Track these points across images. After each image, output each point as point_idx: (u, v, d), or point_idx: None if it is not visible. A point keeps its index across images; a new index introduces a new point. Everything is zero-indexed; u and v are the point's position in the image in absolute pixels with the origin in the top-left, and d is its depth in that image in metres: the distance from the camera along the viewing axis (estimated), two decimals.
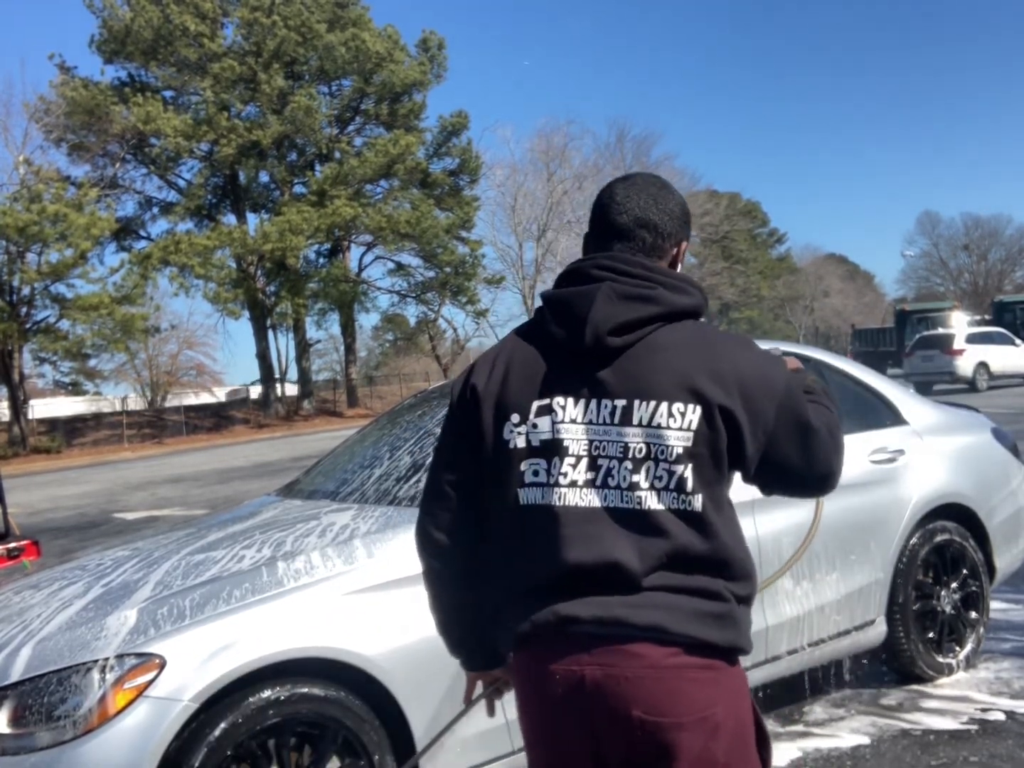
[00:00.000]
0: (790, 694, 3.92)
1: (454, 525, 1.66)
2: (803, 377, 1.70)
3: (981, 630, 4.20)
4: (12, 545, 5.22)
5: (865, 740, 3.50)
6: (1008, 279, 67.35)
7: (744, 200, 61.49)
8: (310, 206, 33.96)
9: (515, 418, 1.58)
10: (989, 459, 4.48)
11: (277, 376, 39.72)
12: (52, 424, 35.62)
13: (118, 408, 41.12)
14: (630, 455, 1.51)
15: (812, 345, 15.11)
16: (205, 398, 48.93)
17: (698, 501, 1.50)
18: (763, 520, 3.49)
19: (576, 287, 1.59)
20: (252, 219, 37.58)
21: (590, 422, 1.54)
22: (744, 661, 3.58)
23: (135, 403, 46.49)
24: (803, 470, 1.57)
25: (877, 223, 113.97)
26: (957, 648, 4.11)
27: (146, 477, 18.59)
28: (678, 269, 1.69)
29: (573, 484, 1.53)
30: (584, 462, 1.53)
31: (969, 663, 4.12)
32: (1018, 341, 25.02)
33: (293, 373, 42.16)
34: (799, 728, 3.67)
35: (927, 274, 71.14)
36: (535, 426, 1.56)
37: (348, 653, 2.61)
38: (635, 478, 1.51)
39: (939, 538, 4.07)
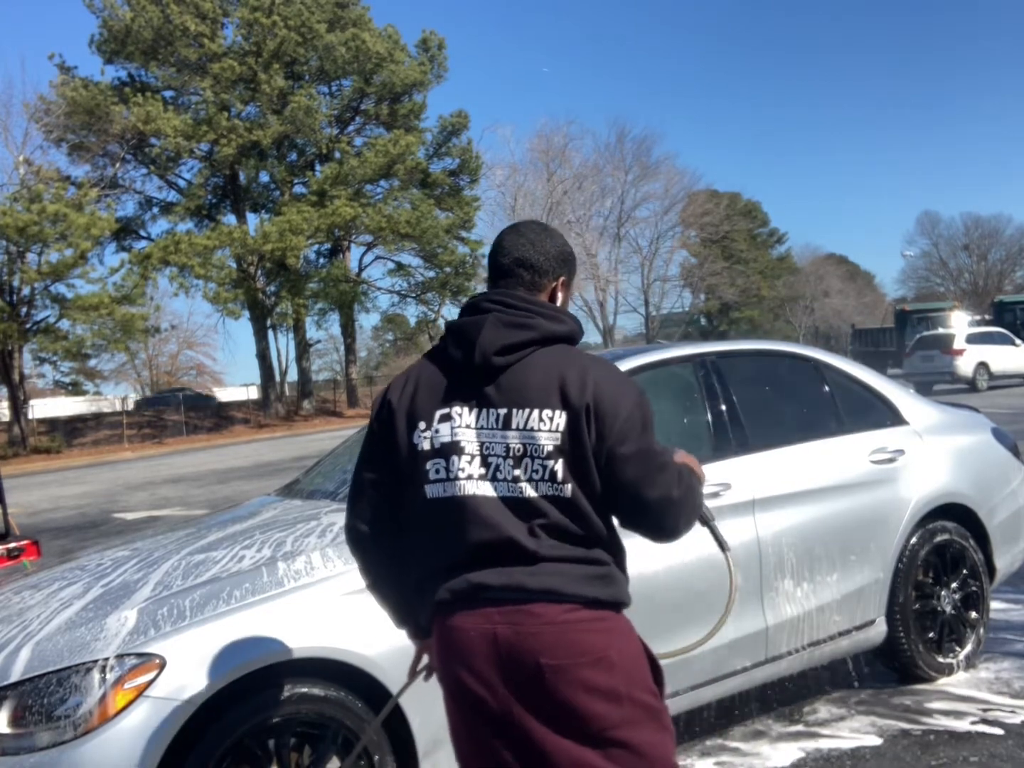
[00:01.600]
0: (791, 694, 3.92)
1: (375, 517, 1.96)
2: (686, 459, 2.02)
3: (981, 630, 4.20)
4: (12, 545, 5.21)
5: (865, 740, 3.50)
6: (1008, 279, 67.35)
7: (744, 200, 61.45)
8: (310, 206, 33.96)
9: (422, 425, 1.88)
10: (989, 459, 4.48)
11: (277, 377, 39.73)
12: (52, 424, 35.63)
13: (118, 408, 41.13)
14: (511, 454, 1.82)
15: (812, 345, 15.12)
16: None
17: (568, 489, 1.80)
18: (763, 519, 3.50)
19: (470, 317, 1.91)
20: (252, 219, 37.61)
21: (480, 427, 1.84)
22: (745, 661, 3.60)
23: (135, 403, 46.50)
24: (639, 486, 1.81)
25: (877, 223, 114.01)
26: (957, 648, 4.11)
27: (146, 477, 18.59)
28: (557, 301, 1.98)
29: (470, 477, 1.83)
30: (477, 460, 1.83)
31: (969, 663, 4.12)
32: (1018, 341, 25.02)
33: (293, 373, 42.23)
34: (799, 728, 3.67)
35: (927, 274, 71.15)
36: (437, 431, 1.86)
37: (348, 653, 2.61)
38: (516, 472, 1.81)
39: (939, 538, 4.07)
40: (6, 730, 2.36)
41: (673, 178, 49.74)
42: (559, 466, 1.80)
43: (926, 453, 4.15)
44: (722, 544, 2.20)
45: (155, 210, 37.96)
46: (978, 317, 34.76)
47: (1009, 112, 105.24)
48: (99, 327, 30.53)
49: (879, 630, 3.89)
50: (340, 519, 3.14)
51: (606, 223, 47.93)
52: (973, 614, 4.18)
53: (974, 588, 4.18)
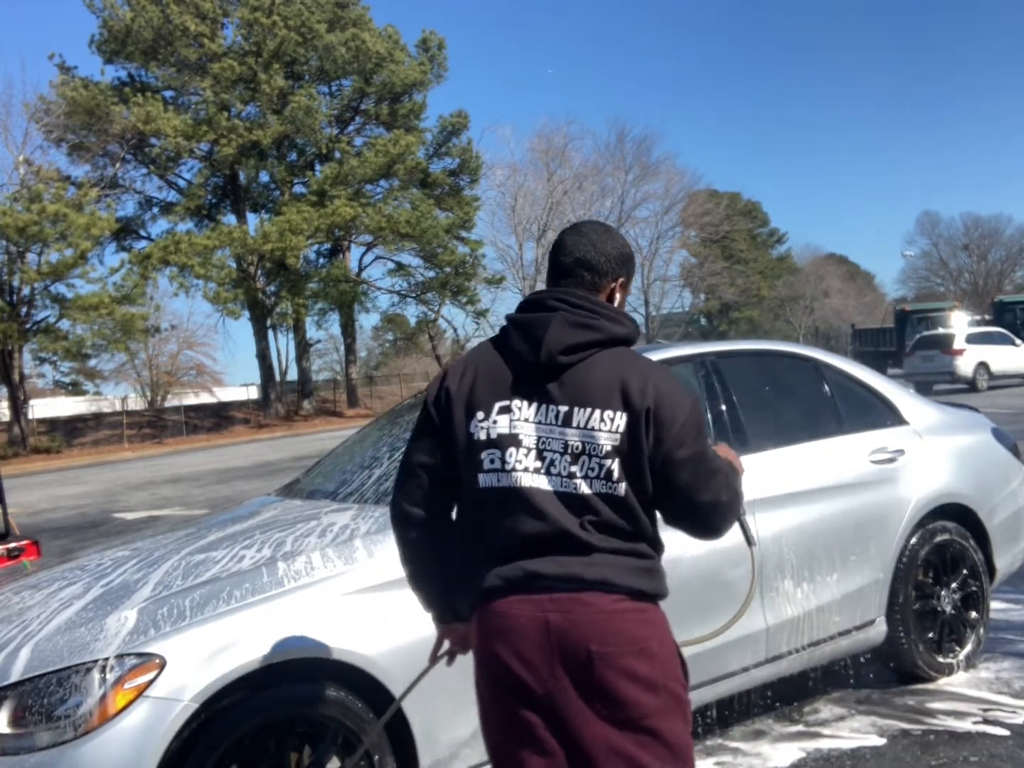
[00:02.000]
0: (791, 694, 3.92)
1: (424, 500, 1.99)
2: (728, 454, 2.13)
3: (981, 630, 4.20)
4: (12, 545, 5.21)
5: (866, 740, 3.50)
6: (1008, 279, 67.34)
7: (744, 200, 61.46)
8: (310, 206, 33.95)
9: (480, 415, 1.92)
10: (989, 459, 4.48)
11: (277, 376, 39.74)
12: (52, 424, 35.62)
13: (118, 408, 41.13)
14: (569, 450, 1.87)
15: (812, 345, 15.11)
16: (205, 398, 48.93)
17: (622, 488, 1.86)
18: (763, 519, 3.50)
19: (536, 313, 1.95)
20: (252, 219, 37.59)
21: (539, 422, 1.89)
22: (746, 661, 3.60)
23: (135, 403, 46.51)
24: (692, 489, 1.90)
25: (877, 223, 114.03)
26: (957, 648, 4.11)
27: (146, 477, 18.59)
28: (616, 302, 2.04)
29: (526, 470, 1.88)
30: (533, 453, 1.88)
31: (969, 663, 4.12)
32: (1018, 341, 25.01)
33: (293, 373, 42.21)
34: (800, 728, 3.67)
35: (927, 274, 71.12)
36: (495, 422, 1.91)
37: (348, 653, 2.61)
38: (572, 468, 1.87)
39: (939, 538, 4.07)
40: (6, 730, 2.35)
41: (673, 178, 49.80)
42: (615, 465, 1.85)
43: (926, 453, 4.15)
44: (749, 539, 2.30)
45: (155, 210, 37.98)
46: (978, 317, 34.75)
47: (1009, 112, 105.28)
48: (99, 327, 30.52)
49: (879, 630, 3.89)
50: (340, 519, 3.16)
51: (606, 223, 47.87)
52: (973, 614, 4.18)
53: (974, 588, 4.18)
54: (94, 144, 33.62)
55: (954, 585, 4.13)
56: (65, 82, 32.98)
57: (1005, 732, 3.47)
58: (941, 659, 4.05)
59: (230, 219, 37.33)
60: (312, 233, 33.84)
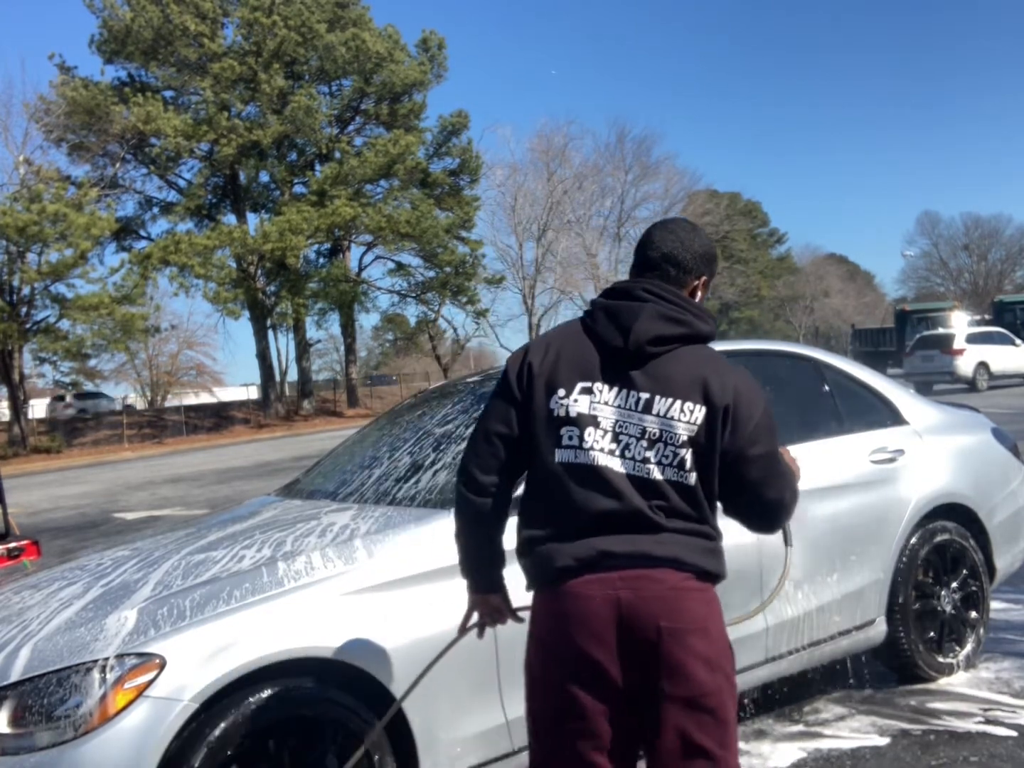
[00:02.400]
0: (791, 694, 3.92)
1: (496, 469, 2.04)
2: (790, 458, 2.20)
3: (981, 630, 4.20)
4: (12, 545, 5.21)
5: (866, 740, 3.50)
6: (1008, 279, 67.32)
7: (744, 200, 61.48)
8: (310, 206, 33.95)
9: (561, 392, 1.99)
10: (989, 459, 4.47)
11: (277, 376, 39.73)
12: (52, 424, 35.63)
13: (118, 408, 41.11)
14: (646, 436, 1.94)
15: (812, 345, 15.10)
16: (205, 398, 48.93)
17: (692, 478, 1.94)
18: None
19: (625, 301, 2.03)
20: (252, 219, 37.59)
21: (619, 406, 1.97)
22: (745, 661, 3.59)
23: (135, 403, 46.50)
24: (761, 485, 1.99)
25: (877, 223, 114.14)
26: (957, 648, 4.11)
27: (146, 477, 18.59)
28: (696, 298, 2.11)
29: (602, 451, 1.94)
30: (609, 435, 1.95)
31: (969, 663, 4.12)
32: (1018, 341, 25.00)
33: (293, 373, 42.20)
34: (799, 728, 3.67)
35: (927, 274, 71.11)
36: (576, 401, 1.97)
37: (348, 653, 2.61)
38: (647, 454, 1.94)
39: (939, 538, 4.07)
40: (6, 730, 2.35)
41: (673, 178, 49.73)
42: (688, 455, 1.93)
43: (926, 453, 4.14)
44: (788, 540, 2.42)
45: (155, 210, 37.98)
46: (978, 317, 34.74)
47: (1009, 112, 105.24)
48: (99, 327, 30.52)
49: (879, 630, 3.89)
50: (340, 519, 3.16)
51: (606, 223, 47.84)
52: (973, 614, 4.18)
53: (974, 588, 4.18)
54: (94, 144, 33.62)
55: (954, 585, 4.13)
56: (65, 82, 32.98)
57: (1005, 732, 3.47)
58: (941, 659, 4.05)
59: (230, 219, 37.33)
60: (312, 233, 33.84)
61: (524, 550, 2.03)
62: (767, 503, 2.01)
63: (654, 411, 1.94)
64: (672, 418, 1.93)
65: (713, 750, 1.88)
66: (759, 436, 1.96)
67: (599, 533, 1.91)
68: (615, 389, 1.97)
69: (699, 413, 1.93)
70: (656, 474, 1.92)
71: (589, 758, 1.89)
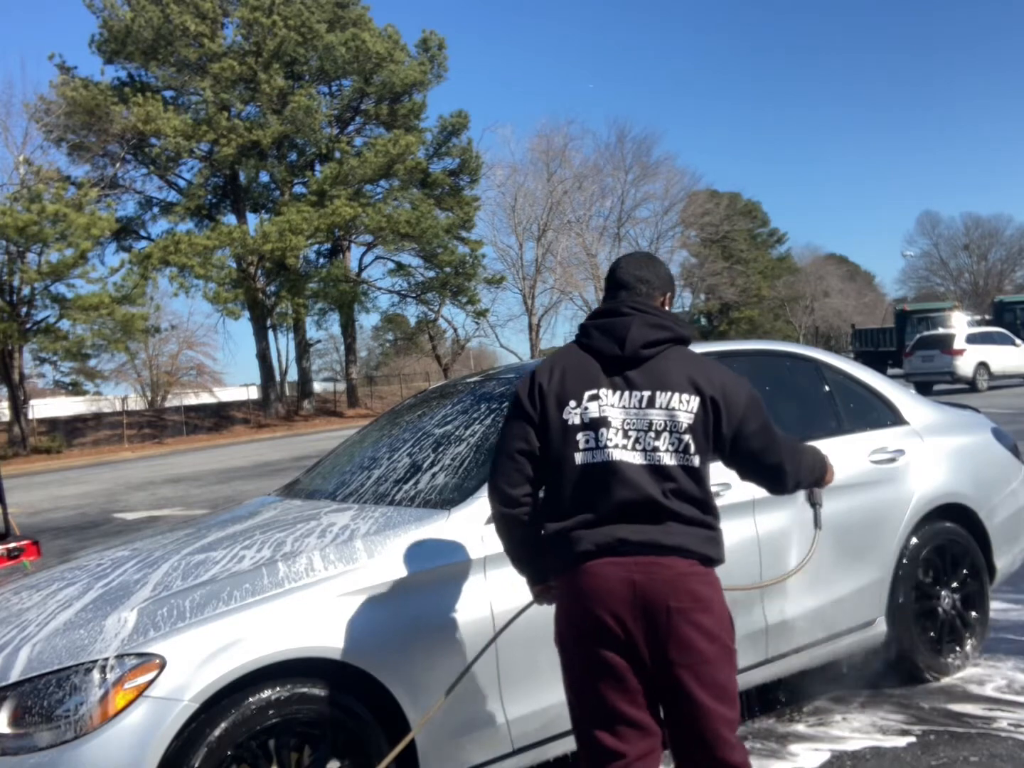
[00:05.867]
0: (791, 694, 3.92)
1: (523, 481, 2.31)
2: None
3: (981, 630, 4.20)
4: (12, 545, 5.21)
5: (865, 740, 3.50)
6: (1008, 279, 67.34)
7: (744, 200, 61.39)
8: (310, 206, 33.95)
9: (572, 404, 2.28)
10: (989, 459, 4.47)
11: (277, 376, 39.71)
12: (52, 424, 35.63)
13: (118, 408, 41.12)
14: (653, 428, 2.23)
15: (812, 345, 15.10)
16: (205, 398, 48.92)
17: (696, 460, 2.24)
18: (763, 520, 3.50)
19: (613, 318, 2.35)
20: (252, 219, 37.61)
21: (624, 407, 2.26)
22: (745, 661, 3.59)
23: (135, 403, 46.50)
24: (761, 455, 2.36)
25: (877, 223, 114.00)
26: (957, 648, 4.11)
27: (146, 477, 18.59)
28: (667, 309, 2.47)
29: (617, 447, 2.22)
30: (620, 433, 2.24)
31: (969, 662, 4.12)
32: (1018, 341, 24.98)
33: (293, 373, 42.20)
34: (799, 728, 3.67)
35: (927, 274, 71.16)
36: (587, 408, 2.26)
37: (348, 653, 2.61)
38: (656, 443, 2.22)
39: (939, 538, 4.06)
40: (6, 730, 2.35)
41: (673, 178, 49.69)
42: (691, 440, 2.23)
43: (926, 453, 4.14)
44: (818, 523, 2.83)
45: (155, 210, 37.99)
46: (978, 317, 34.75)
47: (1009, 112, 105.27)
48: (99, 327, 30.51)
49: (879, 630, 3.89)
50: (340, 519, 3.16)
51: (606, 223, 47.86)
52: (973, 614, 4.18)
53: (974, 588, 4.18)
54: (94, 144, 33.62)
55: (954, 585, 4.13)
56: (65, 82, 32.98)
57: (1005, 732, 3.47)
58: (941, 659, 4.05)
59: (230, 219, 37.34)
60: (312, 233, 33.84)
61: (550, 540, 2.29)
62: (770, 467, 2.39)
63: (657, 405, 2.24)
64: (674, 408, 2.23)
65: (711, 705, 2.17)
66: (749, 415, 2.30)
67: (618, 521, 2.20)
68: (619, 392, 2.26)
69: (694, 403, 2.24)
70: (666, 460, 2.21)
71: (620, 708, 2.19)
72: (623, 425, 2.24)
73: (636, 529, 2.19)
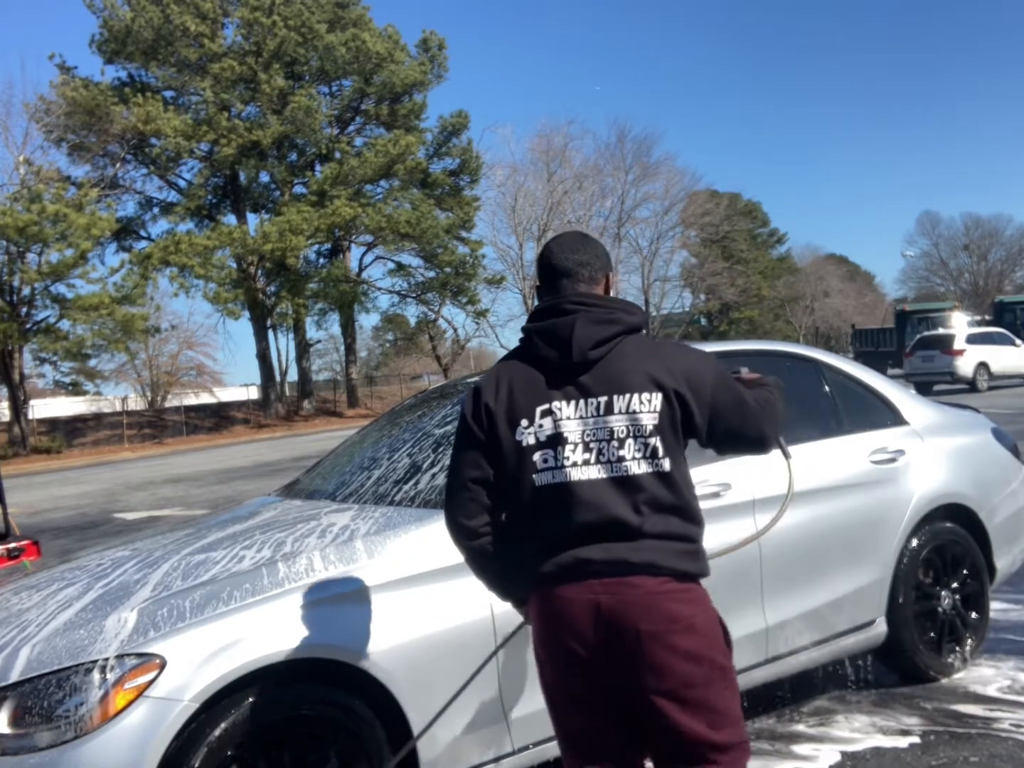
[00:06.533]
0: (791, 694, 3.92)
1: (479, 511, 2.13)
2: (752, 378, 2.35)
3: (981, 630, 4.20)
4: (12, 545, 5.21)
5: (866, 740, 3.50)
6: (1008, 279, 67.35)
7: (744, 200, 61.36)
8: (310, 206, 33.95)
9: (524, 423, 2.06)
10: (989, 459, 4.47)
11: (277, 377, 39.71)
12: (52, 424, 35.62)
13: (118, 408, 41.11)
14: (615, 436, 2.02)
15: (812, 345, 15.10)
16: (205, 398, 48.91)
17: (666, 464, 2.04)
18: (763, 519, 3.49)
19: (554, 319, 2.10)
20: (252, 219, 37.61)
21: (581, 417, 2.04)
22: (745, 661, 3.59)
23: (135, 403, 46.49)
24: (740, 430, 2.13)
25: (877, 223, 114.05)
26: (957, 648, 4.11)
27: (146, 477, 18.59)
28: (612, 292, 2.23)
29: (575, 464, 2.02)
30: (580, 447, 2.03)
31: (969, 663, 4.12)
32: (1018, 341, 25.00)
33: (293, 373, 42.20)
34: (799, 728, 3.67)
35: (927, 274, 71.15)
36: (541, 426, 2.05)
37: (348, 653, 2.61)
38: (620, 452, 2.02)
39: (939, 538, 4.06)
40: (6, 730, 2.35)
41: (673, 178, 49.64)
42: (658, 442, 2.03)
43: (926, 453, 4.14)
44: (786, 453, 2.51)
45: (155, 210, 37.99)
46: (978, 317, 34.75)
47: (1009, 112, 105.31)
48: (99, 327, 30.52)
49: (879, 630, 3.89)
50: (340, 519, 3.16)
51: (606, 223, 47.81)
52: (973, 614, 4.18)
53: (974, 588, 4.18)
54: (94, 144, 33.62)
55: (954, 585, 4.12)
56: (65, 82, 32.98)
57: (1006, 732, 3.47)
58: (941, 659, 4.04)
59: (230, 219, 37.34)
60: (312, 233, 33.84)
61: (514, 565, 2.13)
62: (752, 439, 2.17)
63: (616, 410, 2.03)
64: (636, 411, 2.02)
65: (701, 732, 1.99)
66: (719, 393, 2.09)
67: (582, 543, 2.01)
68: (573, 402, 2.05)
69: (656, 401, 2.03)
70: (634, 469, 2.02)
71: (592, 735, 2.06)
72: (582, 438, 2.03)
73: (602, 548, 2.00)
